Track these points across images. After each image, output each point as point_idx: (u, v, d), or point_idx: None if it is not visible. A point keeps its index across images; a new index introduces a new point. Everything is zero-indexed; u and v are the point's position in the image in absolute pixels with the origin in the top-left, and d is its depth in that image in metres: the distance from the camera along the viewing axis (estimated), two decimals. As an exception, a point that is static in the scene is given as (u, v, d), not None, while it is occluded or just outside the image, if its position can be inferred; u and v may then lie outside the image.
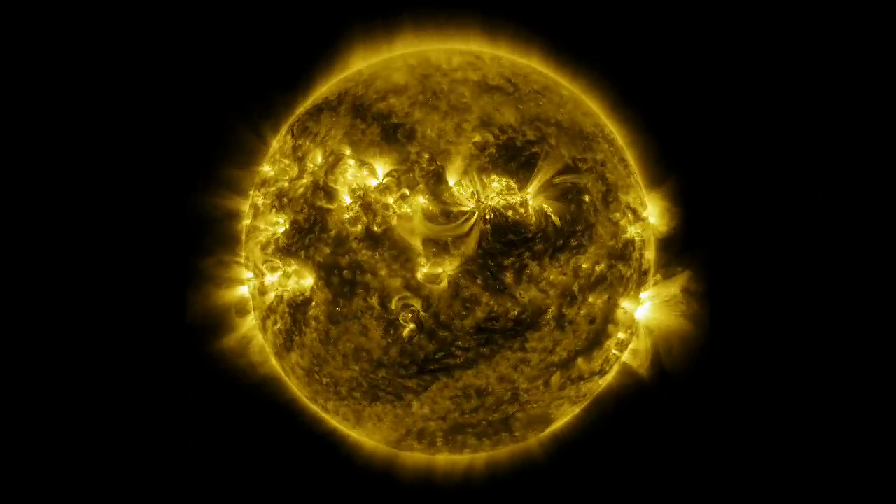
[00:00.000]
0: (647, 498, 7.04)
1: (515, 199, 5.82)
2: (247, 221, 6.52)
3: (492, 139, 5.90)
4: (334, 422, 6.77)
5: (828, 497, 6.71)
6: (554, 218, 5.87)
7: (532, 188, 5.86)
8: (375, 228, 5.78)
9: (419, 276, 5.76)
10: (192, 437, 6.96)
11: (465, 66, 6.37)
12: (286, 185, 6.23)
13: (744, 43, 6.73)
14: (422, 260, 5.74)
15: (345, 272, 5.83)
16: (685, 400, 6.90)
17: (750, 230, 6.70)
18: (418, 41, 6.83)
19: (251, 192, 6.55)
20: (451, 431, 6.30)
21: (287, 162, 6.34)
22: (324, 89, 6.73)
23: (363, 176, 5.92)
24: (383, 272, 5.78)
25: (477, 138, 5.89)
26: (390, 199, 5.80)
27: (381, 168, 5.90)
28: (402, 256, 5.75)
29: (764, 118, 6.69)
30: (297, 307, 6.08)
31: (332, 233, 5.88)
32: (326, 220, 5.92)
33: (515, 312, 5.82)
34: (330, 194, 5.96)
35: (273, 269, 6.20)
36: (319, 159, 6.12)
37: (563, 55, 6.87)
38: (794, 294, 6.67)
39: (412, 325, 5.82)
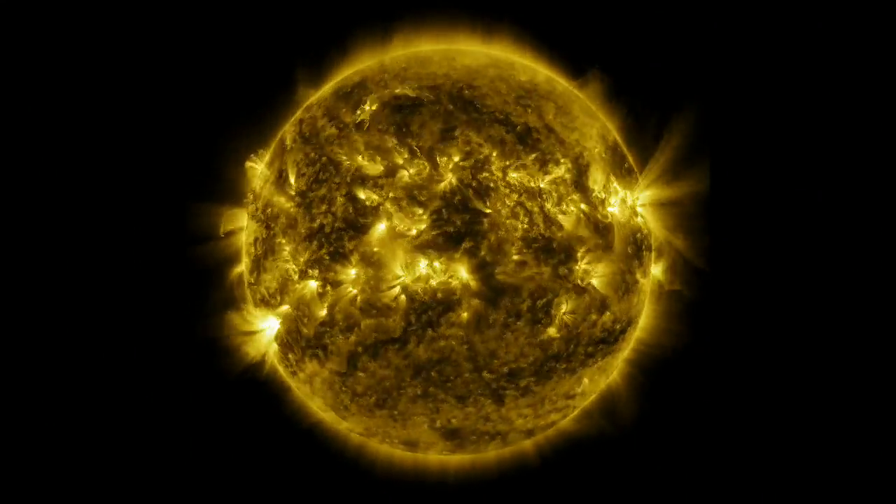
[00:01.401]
0: (647, 498, 7.06)
1: None
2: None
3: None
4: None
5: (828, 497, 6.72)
6: None
7: None
8: None
9: None
10: (197, 435, 7.03)
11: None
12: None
13: (744, 43, 6.73)
14: None
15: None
16: (685, 399, 6.92)
17: (750, 230, 6.70)
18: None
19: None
20: None
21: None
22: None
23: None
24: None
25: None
26: None
27: None
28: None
29: (764, 118, 6.70)
30: None
31: None
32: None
33: None
34: None
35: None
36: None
37: (562, 55, 6.89)
38: (794, 294, 6.68)
39: None
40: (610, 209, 6.50)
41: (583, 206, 6.33)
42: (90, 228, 6.83)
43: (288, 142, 6.36)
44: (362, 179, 5.91)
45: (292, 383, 6.55)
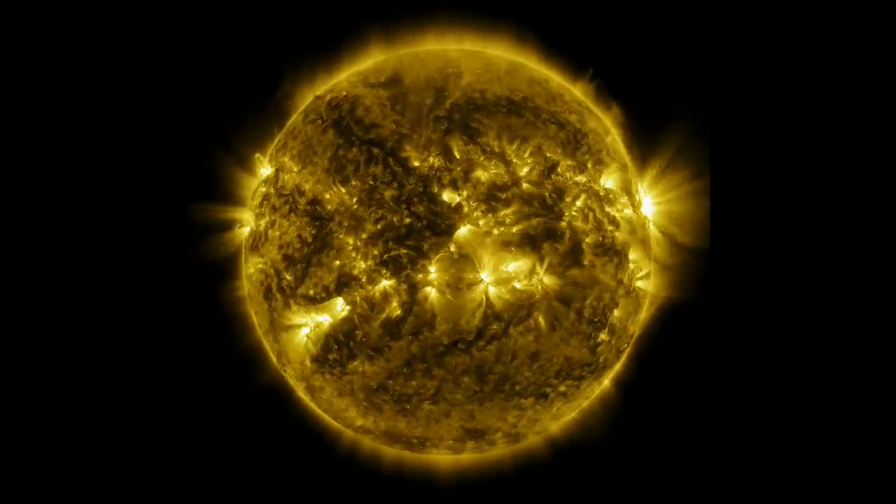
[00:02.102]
0: (647, 498, 7.04)
1: None
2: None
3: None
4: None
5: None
6: None
7: None
8: None
9: None
10: (201, 436, 7.04)
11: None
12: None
13: (743, 43, 6.72)
14: None
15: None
16: (685, 399, 6.91)
17: (750, 230, 6.68)
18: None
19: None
20: None
21: None
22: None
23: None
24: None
25: None
26: None
27: None
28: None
29: (763, 118, 6.69)
30: None
31: None
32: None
33: None
34: None
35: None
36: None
37: (562, 55, 6.89)
38: (793, 295, 6.66)
39: None
40: (642, 211, 6.60)
41: (627, 209, 6.44)
42: (91, 228, 6.84)
43: (330, 136, 6.27)
44: (439, 178, 5.89)
45: (319, 382, 6.42)
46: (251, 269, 6.48)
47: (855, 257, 6.49)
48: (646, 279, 6.63)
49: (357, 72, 6.76)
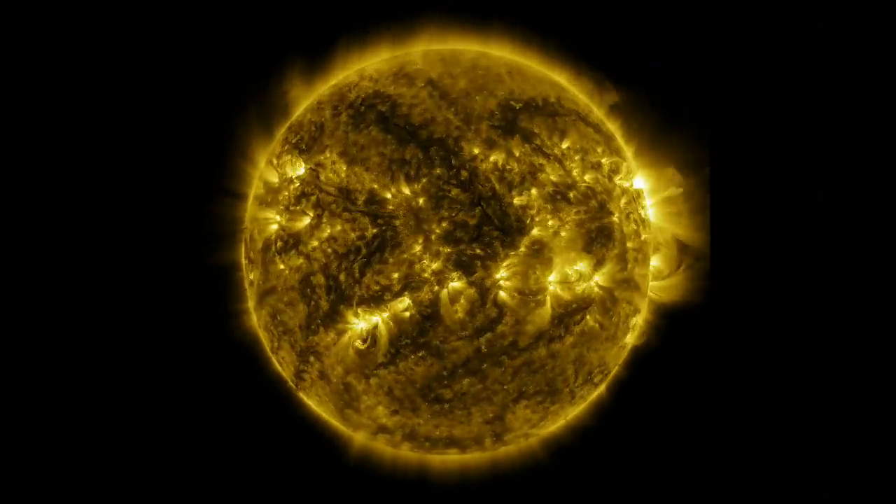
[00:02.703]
0: (646, 499, 7.03)
1: None
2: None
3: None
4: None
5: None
6: None
7: None
8: None
9: None
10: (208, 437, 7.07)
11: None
12: None
13: (743, 43, 6.71)
14: None
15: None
16: (684, 400, 6.90)
17: (750, 230, 6.67)
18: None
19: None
20: None
21: None
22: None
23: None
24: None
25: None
26: None
27: None
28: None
29: (763, 118, 6.68)
30: None
31: None
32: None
33: None
34: None
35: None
36: None
37: (561, 55, 6.88)
38: (793, 295, 6.64)
39: None
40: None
41: (642, 211, 6.52)
42: (97, 229, 6.87)
43: (374, 133, 6.16)
44: (505, 178, 5.93)
45: (353, 379, 6.36)
46: (282, 267, 6.28)
47: (854, 257, 6.48)
48: (663, 285, 6.68)
49: (376, 69, 6.67)
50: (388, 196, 5.95)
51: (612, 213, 6.17)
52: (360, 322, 6.08)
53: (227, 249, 6.92)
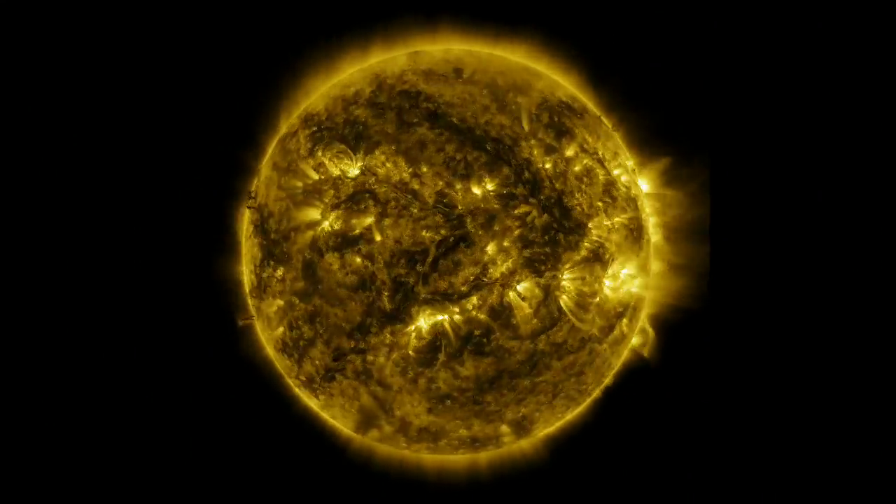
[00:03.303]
0: (645, 499, 7.04)
1: None
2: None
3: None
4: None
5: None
6: None
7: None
8: None
9: None
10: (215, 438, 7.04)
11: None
12: None
13: (743, 43, 6.70)
14: None
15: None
16: (682, 401, 6.91)
17: (750, 230, 6.67)
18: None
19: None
20: None
21: None
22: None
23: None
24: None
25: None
26: None
27: None
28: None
29: (763, 118, 6.68)
30: None
31: None
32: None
33: None
34: None
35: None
36: None
37: (561, 55, 6.86)
38: (793, 295, 6.65)
39: None
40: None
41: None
42: (97, 229, 6.85)
43: (426, 132, 6.07)
44: (562, 178, 6.05)
45: (391, 371, 6.27)
46: (336, 266, 6.08)
47: (854, 257, 6.49)
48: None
49: (401, 67, 6.54)
50: (458, 196, 5.89)
51: (643, 213, 6.24)
52: (424, 322, 6.02)
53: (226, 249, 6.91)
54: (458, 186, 5.87)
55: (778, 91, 6.68)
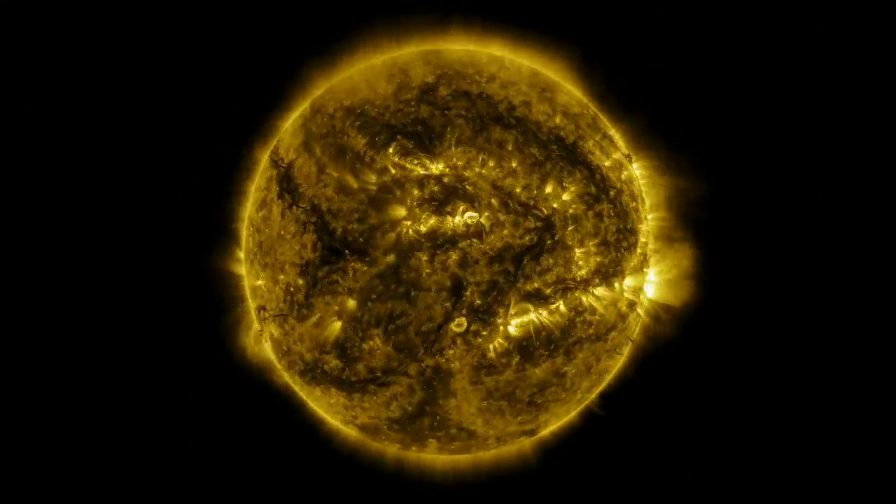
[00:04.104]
0: (645, 499, 7.03)
1: None
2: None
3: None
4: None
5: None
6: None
7: None
8: None
9: None
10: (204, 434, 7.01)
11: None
12: None
13: (743, 43, 6.72)
14: None
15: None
16: (682, 400, 6.90)
17: (749, 230, 6.68)
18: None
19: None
20: None
21: None
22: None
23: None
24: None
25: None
26: None
27: None
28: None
29: (763, 118, 6.71)
30: None
31: None
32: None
33: None
34: None
35: None
36: None
37: (561, 55, 6.86)
38: (793, 295, 6.66)
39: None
40: None
41: None
42: (104, 232, 6.83)
43: (501, 133, 5.99)
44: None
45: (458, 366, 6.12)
46: (423, 265, 5.91)
47: (854, 257, 6.49)
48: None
49: (439, 66, 6.40)
50: (548, 198, 5.90)
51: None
52: (512, 323, 5.98)
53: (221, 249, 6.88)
54: (549, 189, 5.89)
55: (778, 91, 6.69)
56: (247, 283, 6.72)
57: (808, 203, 6.62)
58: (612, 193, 6.11)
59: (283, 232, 6.14)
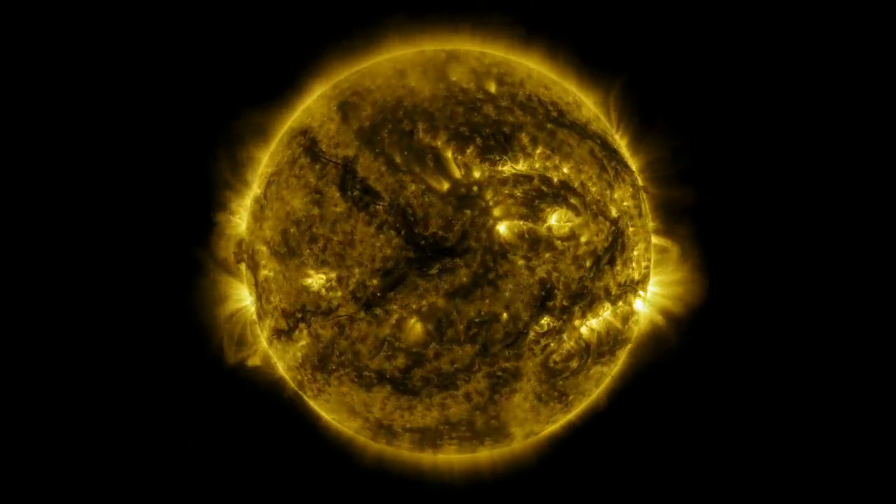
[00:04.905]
0: (645, 499, 7.03)
1: None
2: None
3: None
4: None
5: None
6: None
7: None
8: None
9: None
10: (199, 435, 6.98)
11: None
12: None
13: (743, 43, 6.70)
14: None
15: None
16: (682, 401, 6.90)
17: (749, 230, 6.67)
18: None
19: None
20: None
21: None
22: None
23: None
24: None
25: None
26: None
27: None
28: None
29: (764, 118, 6.70)
30: None
31: None
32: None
33: None
34: None
35: None
36: None
37: (562, 55, 6.84)
38: (793, 295, 6.64)
39: None
40: None
41: None
42: (96, 229, 6.79)
43: (573, 138, 6.07)
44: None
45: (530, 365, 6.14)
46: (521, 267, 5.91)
47: (855, 257, 6.47)
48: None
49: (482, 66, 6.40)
50: (616, 200, 6.05)
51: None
52: (586, 325, 6.09)
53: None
54: (617, 193, 6.08)
55: (778, 91, 6.67)
56: (276, 281, 6.37)
57: (807, 203, 6.60)
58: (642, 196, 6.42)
59: (350, 229, 5.76)
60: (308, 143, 6.03)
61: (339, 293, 5.77)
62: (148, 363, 6.83)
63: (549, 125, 5.94)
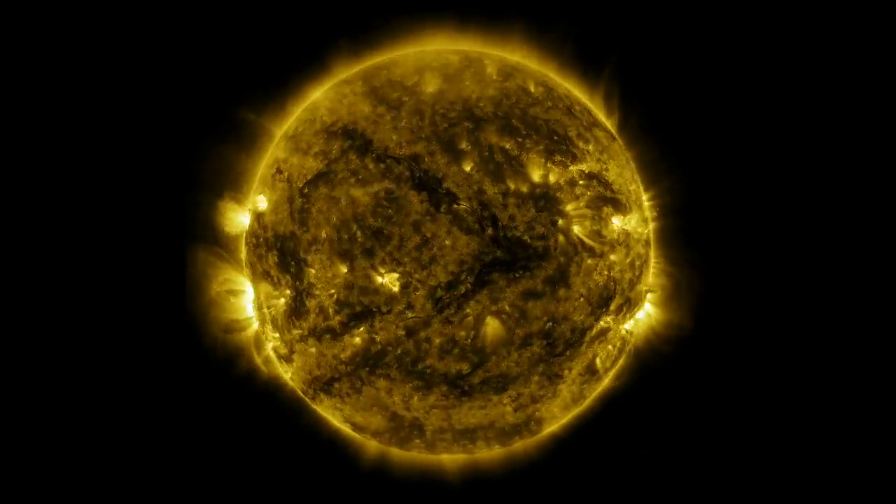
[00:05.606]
0: (643, 499, 7.19)
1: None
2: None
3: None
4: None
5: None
6: None
7: None
8: None
9: None
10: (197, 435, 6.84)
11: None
12: None
13: (743, 43, 6.71)
14: None
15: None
16: (682, 401, 7.06)
17: (749, 230, 6.78)
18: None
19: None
20: None
21: None
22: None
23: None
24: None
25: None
26: None
27: None
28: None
29: (764, 119, 6.73)
30: None
31: None
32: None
33: None
34: None
35: None
36: None
37: (562, 55, 6.80)
38: (792, 296, 6.79)
39: None
40: None
41: None
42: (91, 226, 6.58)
43: (598, 134, 6.06)
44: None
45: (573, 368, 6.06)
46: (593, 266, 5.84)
47: (854, 257, 6.74)
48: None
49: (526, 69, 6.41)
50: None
51: None
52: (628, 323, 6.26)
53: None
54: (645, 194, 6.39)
55: (778, 91, 6.72)
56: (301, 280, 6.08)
57: (807, 203, 6.80)
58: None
59: (429, 231, 5.55)
60: (362, 143, 5.75)
61: (416, 293, 5.57)
62: (148, 363, 6.71)
63: (592, 127, 6.09)
